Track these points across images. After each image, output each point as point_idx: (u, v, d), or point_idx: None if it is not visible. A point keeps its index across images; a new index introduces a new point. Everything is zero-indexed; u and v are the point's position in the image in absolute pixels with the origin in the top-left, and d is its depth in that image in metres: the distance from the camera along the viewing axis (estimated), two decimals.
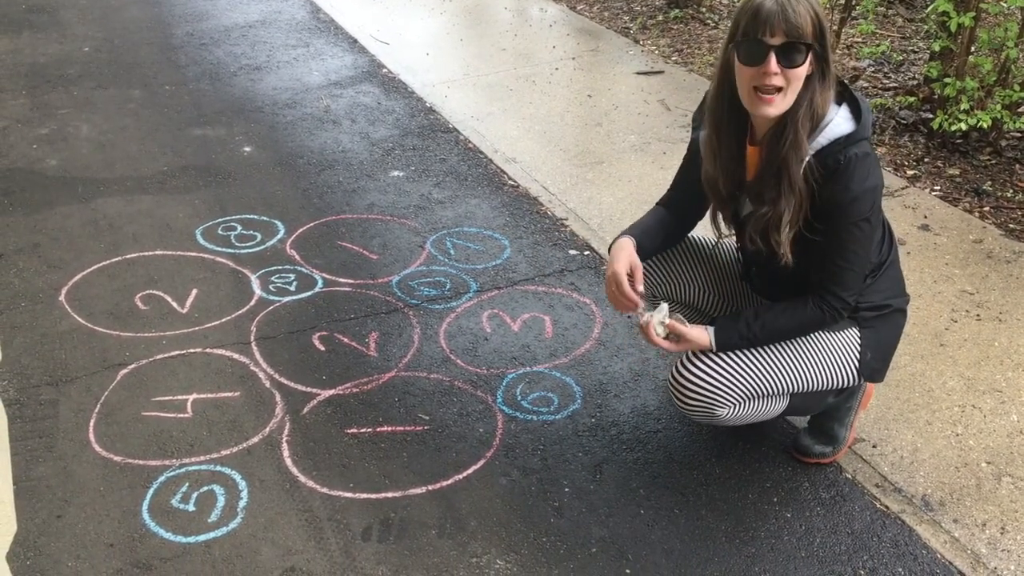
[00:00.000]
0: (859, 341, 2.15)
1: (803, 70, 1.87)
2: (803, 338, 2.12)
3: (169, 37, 5.51)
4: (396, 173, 3.91)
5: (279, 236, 3.42)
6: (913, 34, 4.94)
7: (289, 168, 3.96)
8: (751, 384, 2.10)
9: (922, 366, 2.69)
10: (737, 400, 2.11)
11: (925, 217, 3.41)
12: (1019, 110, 3.66)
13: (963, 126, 3.55)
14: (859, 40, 4.74)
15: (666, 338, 2.09)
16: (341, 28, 5.65)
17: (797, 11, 1.83)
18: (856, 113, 1.94)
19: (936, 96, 3.76)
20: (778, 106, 1.89)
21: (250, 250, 3.33)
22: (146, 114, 4.48)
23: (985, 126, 3.55)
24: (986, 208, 3.45)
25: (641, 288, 2.15)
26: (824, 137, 1.92)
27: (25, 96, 4.66)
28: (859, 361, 2.16)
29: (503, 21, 5.96)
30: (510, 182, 3.81)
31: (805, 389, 2.15)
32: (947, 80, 3.60)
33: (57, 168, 3.92)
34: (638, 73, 4.77)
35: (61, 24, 5.72)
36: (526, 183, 3.79)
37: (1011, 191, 3.53)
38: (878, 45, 4.71)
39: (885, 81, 4.46)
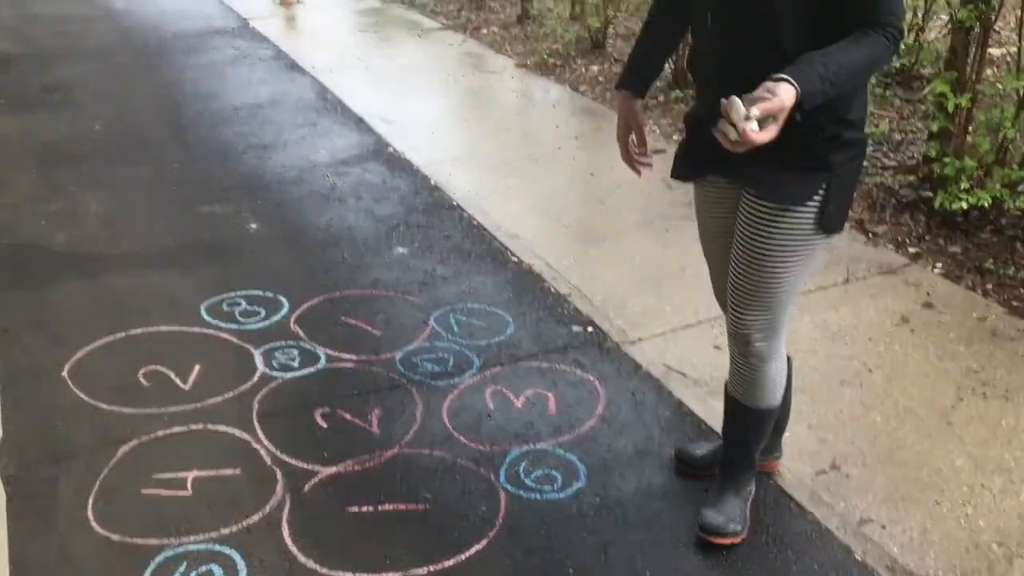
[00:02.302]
0: (823, 193, 1.99)
1: None
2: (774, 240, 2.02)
3: (179, 116, 5.61)
4: (400, 250, 3.94)
5: (283, 312, 3.43)
6: (911, 114, 5.03)
7: (294, 244, 3.99)
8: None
9: (929, 444, 2.67)
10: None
11: (928, 295, 3.42)
12: (1018, 189, 3.70)
13: (964, 205, 3.59)
14: None
15: (762, 127, 1.69)
16: (348, 108, 5.76)
17: None
18: None
19: (936, 175, 3.80)
20: None
21: (254, 326, 3.34)
22: (154, 191, 4.54)
23: (985, 205, 3.58)
24: (989, 286, 3.46)
25: (647, 150, 2.31)
26: None
27: (36, 173, 4.73)
28: (820, 215, 1.99)
29: (507, 102, 6.07)
30: (513, 259, 3.84)
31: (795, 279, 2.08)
32: (946, 160, 3.65)
33: (64, 244, 3.96)
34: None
35: (74, 103, 5.83)
36: (529, 259, 3.81)
37: (1013, 269, 3.54)
38: (877, 125, 4.79)
39: (885, 160, 4.52)
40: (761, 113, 1.64)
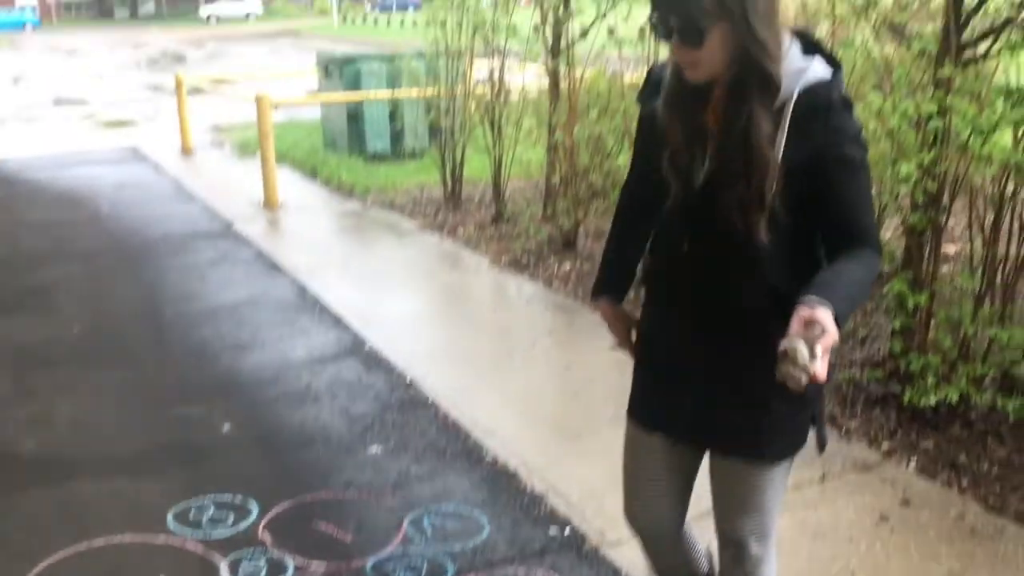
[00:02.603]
0: (815, 420, 2.03)
1: (711, 46, 1.75)
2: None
3: (158, 317, 5.67)
4: (375, 449, 3.91)
5: (252, 518, 3.35)
6: (874, 309, 5.17)
7: (267, 446, 3.95)
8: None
9: None
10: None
11: (904, 492, 3.41)
12: (983, 383, 3.77)
13: (932, 400, 3.64)
14: None
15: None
16: (326, 307, 5.85)
17: None
18: (831, 62, 1.83)
19: (902, 370, 3.87)
20: (699, 74, 1.80)
21: (221, 534, 3.25)
22: (128, 394, 4.53)
23: (953, 400, 3.63)
24: (964, 482, 3.45)
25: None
26: (804, 81, 1.79)
27: (9, 377, 4.72)
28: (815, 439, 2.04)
29: (482, 299, 6.20)
30: (489, 457, 3.81)
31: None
32: (911, 356, 3.73)
33: (34, 450, 3.90)
34: (613, 348, 4.91)
35: (53, 306, 5.90)
36: (505, 457, 3.78)
37: (986, 464, 3.55)
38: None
39: (852, 355, 4.61)
40: (824, 351, 1.59)
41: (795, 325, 1.62)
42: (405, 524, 3.32)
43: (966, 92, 3.69)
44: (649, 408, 2.14)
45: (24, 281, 6.41)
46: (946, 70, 3.55)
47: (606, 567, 3.04)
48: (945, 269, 5.37)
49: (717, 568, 2.27)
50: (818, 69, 1.80)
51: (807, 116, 1.77)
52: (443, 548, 3.17)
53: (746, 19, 1.72)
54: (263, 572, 3.03)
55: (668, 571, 2.35)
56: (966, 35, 3.73)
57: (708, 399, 1.98)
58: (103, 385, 4.63)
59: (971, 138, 3.52)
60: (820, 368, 1.57)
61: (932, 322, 3.90)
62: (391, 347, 5.10)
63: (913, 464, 3.60)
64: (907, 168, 3.56)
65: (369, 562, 3.09)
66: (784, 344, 1.59)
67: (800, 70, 1.79)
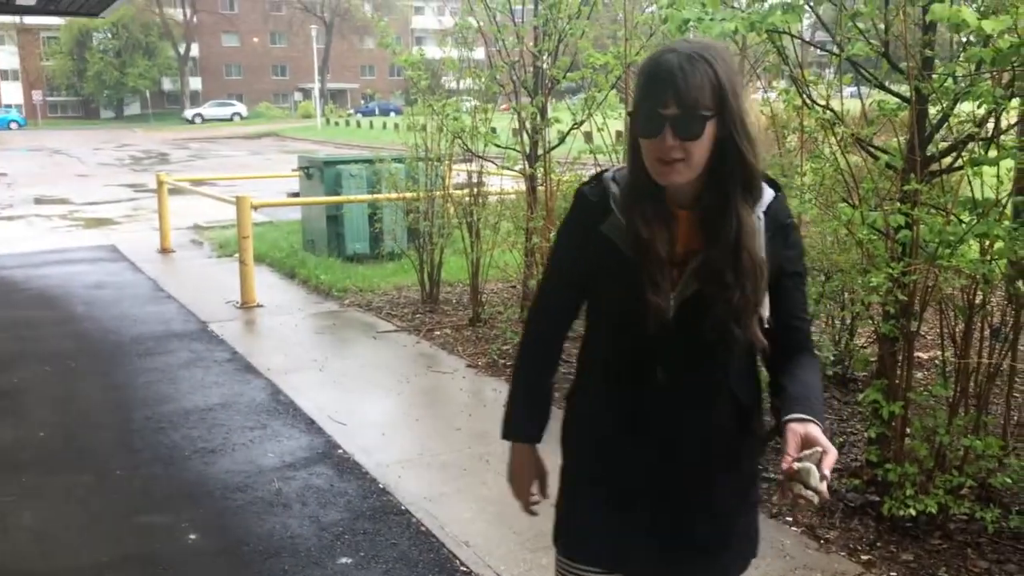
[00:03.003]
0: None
1: (705, 140, 1.71)
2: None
3: (128, 421, 5.57)
4: (345, 560, 3.80)
5: None
6: (850, 416, 5.16)
7: (232, 557, 3.84)
8: None
9: None
10: None
11: None
12: (961, 492, 3.74)
13: (911, 511, 3.60)
14: None
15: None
16: (299, 409, 5.78)
17: (692, 75, 1.67)
18: (772, 185, 1.86)
19: (880, 479, 3.84)
20: (684, 174, 1.74)
21: None
22: (93, 501, 4.40)
23: (933, 511, 3.60)
24: None
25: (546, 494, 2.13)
26: (766, 198, 1.82)
27: None
28: None
29: (458, 401, 6.14)
30: (462, 568, 3.71)
31: None
32: (888, 466, 3.71)
33: None
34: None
35: (20, 409, 5.79)
36: (479, 569, 3.69)
37: None
38: None
39: None
40: (829, 471, 1.60)
41: (793, 446, 1.63)
42: None
43: (932, 204, 3.78)
44: (600, 544, 1.97)
45: None
46: (912, 183, 3.64)
47: None
48: (920, 375, 5.41)
49: None
50: (768, 191, 1.84)
51: (773, 231, 1.82)
52: None
53: (738, 111, 1.71)
54: None
55: None
56: (931, 149, 3.84)
57: (674, 527, 1.91)
58: (68, 491, 4.51)
59: (939, 249, 3.58)
60: (825, 488, 1.59)
61: (908, 430, 3.90)
62: (365, 452, 5.02)
63: None
64: (878, 279, 3.61)
65: None
66: (794, 466, 1.59)
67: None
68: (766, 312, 1.83)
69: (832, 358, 5.62)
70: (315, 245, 10.83)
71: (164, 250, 11.70)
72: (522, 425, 2.10)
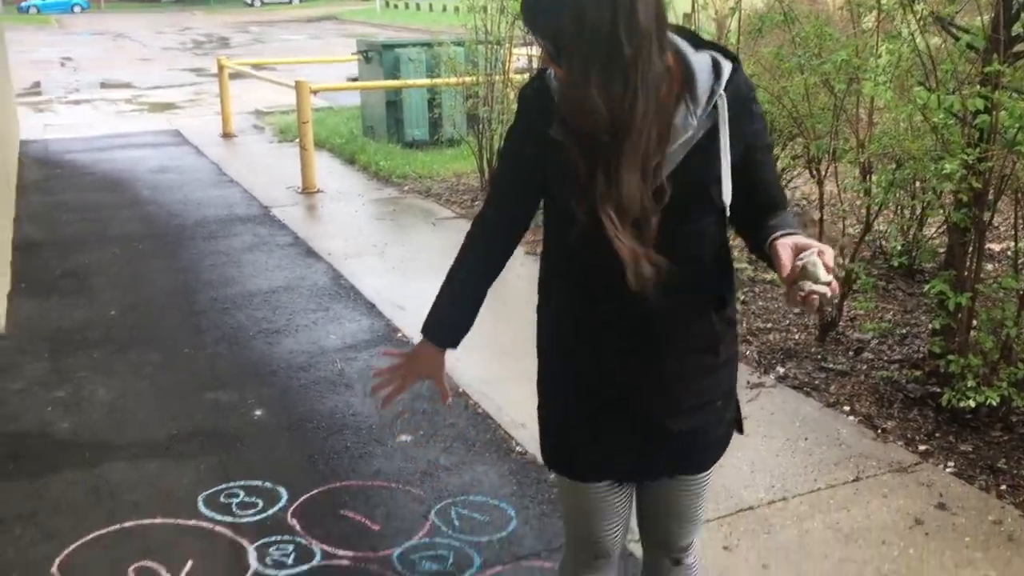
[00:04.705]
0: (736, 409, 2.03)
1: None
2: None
3: (193, 303, 5.72)
4: (404, 438, 3.91)
5: (281, 504, 3.37)
6: (915, 307, 5.07)
7: (297, 432, 3.97)
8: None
9: None
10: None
11: (941, 495, 3.34)
12: None
13: (971, 403, 3.56)
14: (862, 314, 4.87)
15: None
16: (360, 293, 5.86)
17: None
18: (727, 55, 1.75)
19: (942, 371, 3.79)
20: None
21: (250, 519, 3.27)
22: (162, 378, 4.57)
23: (994, 403, 3.55)
24: (1003, 487, 3.38)
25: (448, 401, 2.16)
26: (723, 79, 1.70)
27: (47, 359, 4.78)
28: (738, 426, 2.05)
29: (517, 288, 6.15)
30: (518, 448, 3.79)
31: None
32: (951, 358, 3.65)
33: (67, 432, 3.95)
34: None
35: (91, 289, 5.97)
36: (534, 449, 3.76)
37: None
38: (880, 319, 4.83)
39: (890, 354, 4.52)
40: (830, 267, 1.56)
41: (786, 255, 1.59)
42: (432, 515, 3.32)
43: (1014, 88, 3.59)
44: (589, 460, 1.96)
45: (63, 264, 6.50)
46: (994, 65, 3.45)
47: (632, 562, 3.01)
48: (990, 267, 5.27)
49: (649, 565, 2.22)
50: (725, 64, 1.72)
51: (737, 108, 1.72)
52: (470, 539, 3.17)
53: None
54: (291, 558, 3.05)
55: None
56: (1016, 28, 3.62)
57: (651, 427, 1.88)
58: (138, 368, 4.68)
59: (1018, 135, 3.42)
60: (835, 281, 1.55)
61: (974, 323, 3.81)
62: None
63: (951, 467, 3.52)
64: (951, 166, 3.47)
65: (396, 552, 3.09)
66: (796, 264, 1.55)
67: (709, 66, 1.70)
68: (727, 198, 1.73)
69: (899, 248, 5.49)
70: (374, 131, 10.79)
71: (226, 135, 11.77)
72: (442, 328, 2.06)
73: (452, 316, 2.04)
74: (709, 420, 1.92)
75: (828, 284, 1.53)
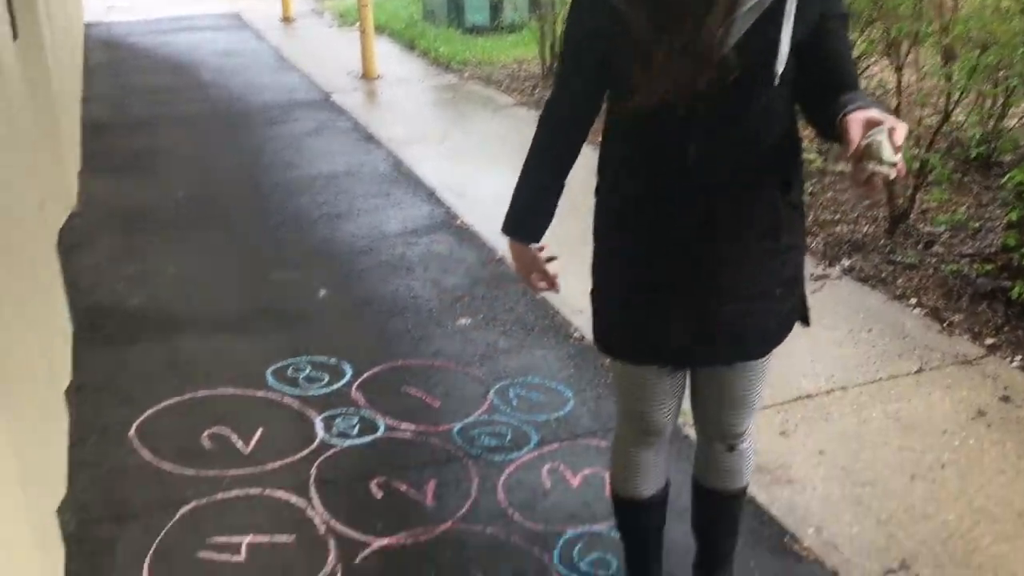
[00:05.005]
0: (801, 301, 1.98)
1: None
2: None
3: (258, 185, 5.79)
4: (464, 321, 3.96)
5: (346, 379, 3.46)
6: (990, 201, 4.91)
7: (361, 312, 4.04)
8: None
9: (1006, 547, 2.54)
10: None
11: (1006, 388, 3.29)
12: None
13: None
14: (934, 206, 4.73)
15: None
16: (420, 180, 5.87)
17: None
18: None
19: (1015, 264, 3.69)
20: None
21: (316, 392, 3.37)
22: (229, 257, 4.67)
23: None
24: None
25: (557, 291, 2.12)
26: None
27: (119, 236, 4.91)
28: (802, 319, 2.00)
29: (577, 177, 6.10)
30: (576, 334, 3.82)
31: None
32: None
33: (140, 306, 4.08)
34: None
35: (159, 170, 6.07)
36: (592, 335, 3.78)
37: None
38: (954, 212, 4.69)
39: (961, 247, 4.41)
40: (900, 145, 1.44)
41: (856, 129, 1.48)
42: (491, 394, 3.38)
43: None
44: (642, 343, 1.94)
45: (131, 145, 6.60)
46: None
47: (687, 444, 3.04)
48: None
49: (704, 464, 2.20)
50: None
51: None
52: (527, 418, 3.23)
53: None
54: (355, 429, 3.14)
55: (650, 473, 2.24)
56: None
57: (714, 313, 1.84)
58: (206, 247, 4.78)
59: None
60: (901, 162, 1.45)
61: None
62: (483, 222, 5.10)
63: (1017, 360, 3.46)
64: None
65: (456, 427, 3.17)
66: (862, 142, 1.45)
67: None
68: (781, 65, 1.65)
69: (977, 138, 5.28)
70: (434, 16, 10.61)
71: (286, 19, 11.68)
72: (523, 224, 2.04)
73: (527, 215, 2.02)
74: (767, 308, 1.88)
75: (893, 165, 1.42)
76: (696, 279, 1.83)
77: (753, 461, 2.22)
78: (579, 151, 1.96)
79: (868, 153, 1.43)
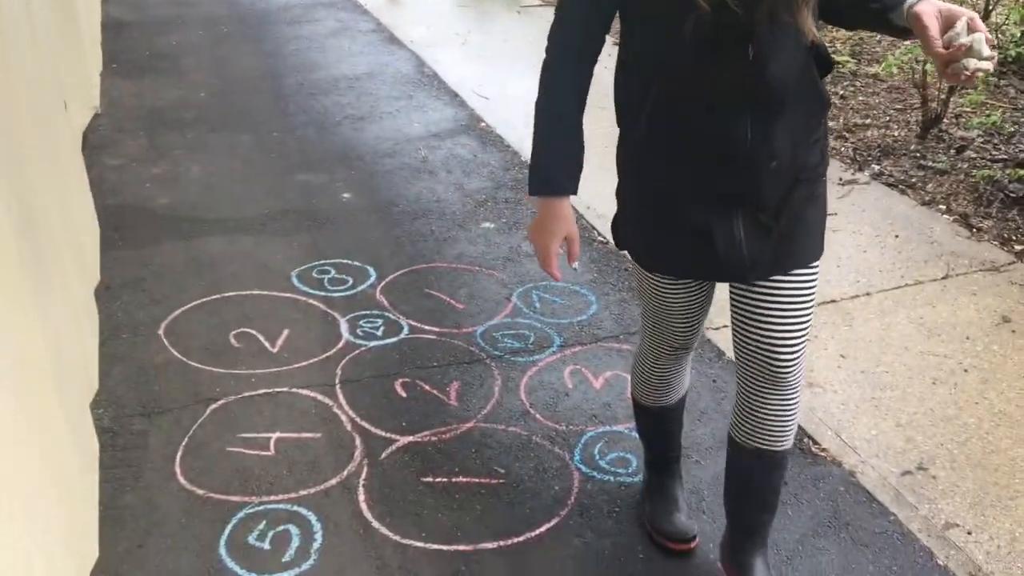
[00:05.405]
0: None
1: None
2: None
3: (280, 86, 5.73)
4: (487, 224, 3.96)
5: (370, 281, 3.49)
6: None
7: (384, 215, 4.05)
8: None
9: None
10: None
11: None
12: None
13: None
14: (969, 110, 4.62)
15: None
16: (443, 82, 5.79)
17: None
18: None
19: None
20: None
21: (341, 294, 3.40)
22: (253, 158, 4.66)
23: None
24: None
25: (576, 264, 1.91)
26: None
27: (143, 137, 4.90)
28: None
29: (603, 80, 5.99)
30: (599, 238, 3.81)
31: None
32: None
33: (166, 207, 4.10)
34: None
35: (181, 70, 6.01)
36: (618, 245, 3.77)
37: None
38: (988, 115, 4.58)
39: (995, 152, 4.32)
40: (988, 41, 1.43)
41: (934, 24, 1.44)
42: (514, 297, 3.40)
43: None
44: (688, 257, 1.84)
45: (153, 45, 6.52)
46: None
47: (708, 347, 3.07)
48: None
49: (745, 414, 1.98)
50: None
51: None
52: (550, 321, 3.25)
53: None
54: (380, 330, 3.18)
55: (674, 385, 2.23)
56: None
57: (733, 229, 1.75)
58: (230, 149, 4.77)
59: None
60: (995, 55, 1.45)
61: None
62: (507, 126, 5.05)
63: None
64: None
65: (479, 329, 3.20)
66: (963, 42, 1.42)
67: None
68: None
69: (1017, 37, 5.11)
70: None
71: None
72: (556, 175, 1.80)
73: (558, 162, 1.81)
74: (817, 209, 1.82)
75: (991, 59, 1.43)
76: (750, 185, 1.73)
77: (798, 419, 2.02)
78: (591, 75, 1.81)
79: (969, 52, 1.43)
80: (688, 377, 2.27)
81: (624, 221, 1.95)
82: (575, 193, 1.82)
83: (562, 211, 1.81)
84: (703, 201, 1.77)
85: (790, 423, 1.94)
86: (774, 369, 1.86)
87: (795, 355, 1.86)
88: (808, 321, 1.87)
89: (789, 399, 1.91)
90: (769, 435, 1.95)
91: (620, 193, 1.92)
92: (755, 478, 2.04)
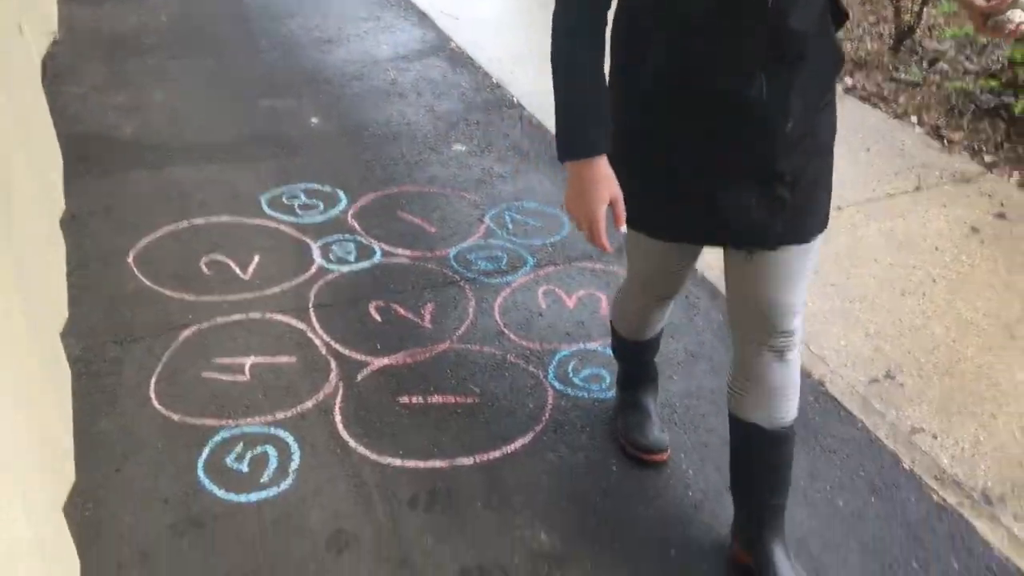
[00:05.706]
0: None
1: None
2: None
3: (244, 9, 5.59)
4: (459, 147, 3.92)
5: (341, 206, 3.46)
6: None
7: (354, 139, 3.99)
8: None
9: (991, 358, 2.60)
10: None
11: (1002, 204, 3.29)
12: None
13: None
14: (941, 21, 4.58)
15: None
16: (411, 2, 5.67)
17: None
18: None
19: (1020, 80, 3.61)
20: None
21: (312, 219, 3.37)
22: (218, 84, 4.56)
23: None
24: None
25: (623, 228, 1.70)
26: None
27: (104, 64, 4.77)
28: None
29: None
30: None
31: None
32: None
33: (131, 135, 4.02)
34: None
35: None
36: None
37: None
38: (961, 27, 4.55)
39: (967, 64, 4.30)
40: None
41: None
42: (487, 219, 3.39)
43: None
44: (657, 217, 1.79)
45: None
46: None
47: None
48: None
49: (745, 387, 1.88)
50: None
51: None
52: (523, 242, 3.24)
53: None
54: (352, 255, 3.17)
55: (658, 322, 2.23)
56: None
57: (777, 195, 1.67)
58: (194, 74, 4.66)
59: None
60: None
61: None
62: (477, 47, 4.96)
63: (1016, 177, 3.45)
64: None
65: (452, 251, 3.19)
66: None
67: None
68: None
69: None
70: None
71: None
72: (590, 134, 1.63)
73: (588, 121, 1.64)
74: (827, 167, 1.75)
75: None
76: (765, 152, 1.65)
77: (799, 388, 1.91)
78: (605, 31, 1.63)
79: (1015, 3, 1.43)
80: (669, 311, 2.24)
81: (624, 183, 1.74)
82: (606, 150, 1.64)
83: (603, 171, 1.63)
84: (712, 167, 1.68)
85: (794, 392, 1.87)
86: (777, 339, 1.80)
87: (797, 322, 1.81)
88: (810, 273, 1.80)
89: (792, 368, 1.84)
90: (776, 408, 1.86)
91: (613, 155, 1.69)
92: (765, 455, 1.92)
